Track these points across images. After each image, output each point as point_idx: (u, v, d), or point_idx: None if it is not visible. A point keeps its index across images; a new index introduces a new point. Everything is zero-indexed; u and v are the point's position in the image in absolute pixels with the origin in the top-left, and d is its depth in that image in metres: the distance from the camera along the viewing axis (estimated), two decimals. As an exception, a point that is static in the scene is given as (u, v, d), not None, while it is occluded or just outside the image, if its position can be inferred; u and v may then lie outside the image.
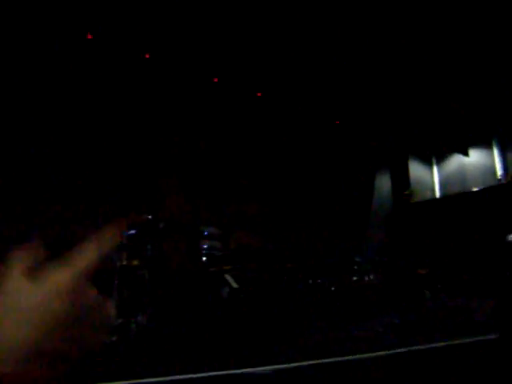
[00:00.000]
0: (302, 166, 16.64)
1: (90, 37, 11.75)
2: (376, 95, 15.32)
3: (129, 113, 13.24)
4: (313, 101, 15.70)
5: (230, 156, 15.30)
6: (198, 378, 4.88)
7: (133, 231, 12.91)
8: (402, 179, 19.07)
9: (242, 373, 5.10)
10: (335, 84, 14.62)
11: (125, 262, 10.46)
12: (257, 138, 15.69)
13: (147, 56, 12.75)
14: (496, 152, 17.90)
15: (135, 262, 10.92)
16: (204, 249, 14.52)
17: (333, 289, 12.22)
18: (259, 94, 15.11)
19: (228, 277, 10.48)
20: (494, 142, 18.05)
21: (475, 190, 17.08)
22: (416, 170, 19.40)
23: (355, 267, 13.41)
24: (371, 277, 12.90)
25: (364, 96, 15.38)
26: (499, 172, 17.48)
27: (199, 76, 13.75)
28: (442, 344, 6.71)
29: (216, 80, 14.05)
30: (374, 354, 6.27)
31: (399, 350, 6.55)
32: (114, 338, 7.39)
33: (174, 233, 13.33)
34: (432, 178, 19.73)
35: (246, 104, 15.13)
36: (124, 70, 12.75)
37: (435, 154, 19.80)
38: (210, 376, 4.92)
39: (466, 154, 18.59)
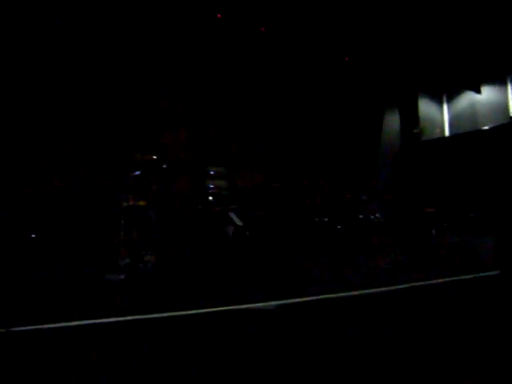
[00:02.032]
0: (311, 103, 16.33)
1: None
2: (385, 31, 14.73)
3: (133, 53, 12.88)
4: (320, 36, 15.12)
5: (236, 94, 15.00)
6: (203, 313, 5.02)
7: (138, 172, 12.98)
8: (411, 117, 18.71)
9: (246, 308, 5.23)
10: (343, 18, 14.02)
11: (131, 203, 10.59)
12: (263, 75, 15.29)
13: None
14: (510, 89, 17.40)
15: (141, 203, 11.06)
16: (210, 188, 14.61)
17: (339, 227, 12.37)
18: (263, 29, 14.56)
19: (233, 215, 10.59)
20: (508, 79, 17.49)
21: (486, 128, 16.77)
22: (426, 107, 18.97)
23: (362, 205, 13.51)
24: (378, 215, 13.02)
25: (373, 32, 14.80)
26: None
27: (203, 12, 13.22)
28: (445, 280, 6.86)
29: (219, 16, 13.51)
30: (379, 290, 6.43)
31: (403, 286, 6.72)
32: (122, 277, 7.62)
33: (179, 173, 13.37)
34: (442, 116, 19.35)
35: (251, 41, 14.60)
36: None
37: (446, 91, 19.30)
38: (214, 311, 5.05)
39: (478, 91, 18.08)
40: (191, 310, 5.04)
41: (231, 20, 13.68)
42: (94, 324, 4.41)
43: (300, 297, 5.80)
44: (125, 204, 10.07)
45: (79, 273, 7.50)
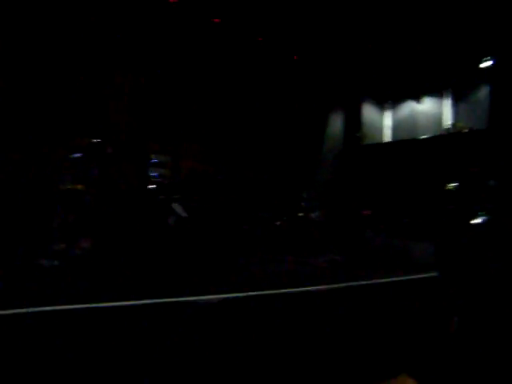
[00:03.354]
0: (259, 97, 16.26)
1: None
2: (334, 34, 14.94)
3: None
4: (271, 32, 15.09)
5: (181, 81, 14.64)
6: (140, 304, 4.79)
7: (78, 154, 12.33)
8: (354, 121, 19.17)
9: (185, 301, 5.05)
10: (293, 16, 14.04)
11: (69, 186, 10.05)
12: (213, 69, 15.03)
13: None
14: (447, 102, 18.22)
15: (80, 187, 10.51)
16: (153, 176, 14.20)
17: (278, 223, 12.38)
18: (217, 21, 14.28)
19: (176, 206, 10.29)
20: (446, 93, 18.31)
21: (424, 137, 17.48)
22: (369, 112, 19.52)
23: (302, 204, 13.62)
24: (317, 214, 13.17)
25: (323, 34, 14.97)
26: (448, 122, 17.90)
27: None
28: (381, 280, 6.99)
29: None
30: (315, 288, 6.42)
31: (339, 285, 6.76)
32: (56, 263, 7.15)
33: (122, 159, 12.85)
34: (384, 123, 19.99)
35: (197, 31, 14.28)
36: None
37: (389, 99, 19.95)
38: (153, 303, 4.83)
39: (419, 101, 18.84)
40: (121, 301, 4.77)
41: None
42: (23, 313, 4.04)
43: (232, 292, 5.66)
44: (62, 187, 9.57)
45: (10, 258, 6.95)
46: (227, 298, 5.31)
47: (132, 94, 13.56)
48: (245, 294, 5.29)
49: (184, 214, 9.67)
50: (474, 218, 10.45)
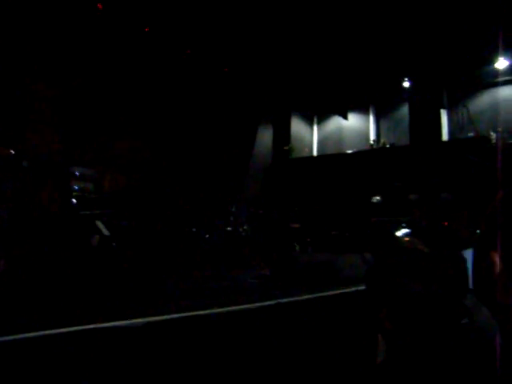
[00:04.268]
0: (188, 109, 15.87)
1: None
2: (264, 47, 14.99)
3: None
4: (202, 44, 14.86)
5: (106, 90, 13.95)
6: (59, 333, 4.23)
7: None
8: (283, 134, 19.32)
9: (111, 326, 4.58)
10: (222, 29, 13.91)
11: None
12: (140, 79, 14.48)
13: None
14: (371, 119, 18.87)
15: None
16: (74, 191, 13.28)
17: (207, 236, 12.02)
18: (146, 30, 13.83)
19: (99, 223, 9.58)
20: (370, 109, 18.97)
21: (349, 152, 17.91)
22: (297, 127, 19.77)
23: (231, 218, 13.36)
24: (245, 228, 12.97)
25: (253, 47, 14.96)
26: (372, 138, 18.50)
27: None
28: (311, 296, 6.85)
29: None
30: (243, 307, 6.15)
31: (268, 303, 6.53)
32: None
33: (39, 172, 11.91)
34: (312, 137, 20.33)
35: (127, 39, 13.75)
36: None
37: (317, 114, 20.35)
38: (74, 331, 4.29)
39: (345, 117, 19.35)
40: (42, 331, 4.19)
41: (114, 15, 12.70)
42: None
43: (165, 314, 5.23)
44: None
45: None
46: (146, 322, 4.88)
47: (52, 101, 12.72)
48: (164, 318, 4.88)
49: (107, 233, 9.00)
50: (397, 230, 10.68)
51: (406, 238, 2.11)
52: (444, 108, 16.49)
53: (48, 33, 12.29)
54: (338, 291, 7.16)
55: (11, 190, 11.09)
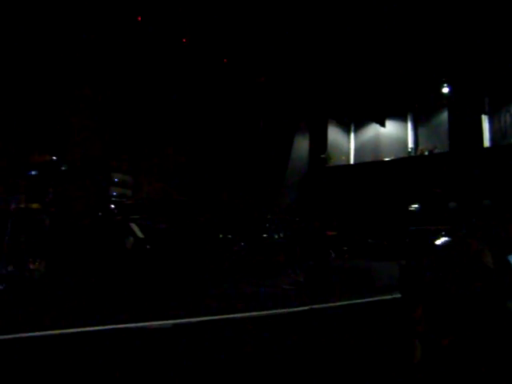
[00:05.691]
0: (225, 118, 16.13)
1: None
2: (301, 56, 15.06)
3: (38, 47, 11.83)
4: (239, 54, 15.10)
5: (148, 101, 14.37)
6: (95, 331, 4.44)
7: (33, 172, 11.78)
8: (319, 142, 19.28)
9: (142, 326, 4.74)
10: (262, 38, 14.10)
11: (22, 205, 9.51)
12: (181, 89, 14.85)
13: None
14: (409, 126, 18.60)
15: (35, 205, 9.97)
16: (113, 196, 13.71)
17: (242, 244, 12.10)
18: (184, 40, 14.22)
19: (134, 226, 9.84)
20: (408, 116, 18.71)
21: (387, 159, 17.68)
22: (334, 134, 19.69)
23: (267, 225, 13.39)
24: (281, 235, 12.96)
25: (291, 57, 15.07)
26: (410, 145, 18.22)
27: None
28: (344, 302, 6.83)
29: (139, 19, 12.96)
30: (279, 311, 6.20)
31: (301, 308, 6.55)
32: (1, 287, 6.60)
33: (79, 176, 12.37)
34: (349, 144, 20.19)
35: (170, 47, 14.14)
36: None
37: (354, 121, 20.21)
38: (107, 329, 4.49)
39: (382, 124, 19.13)
40: (78, 328, 4.40)
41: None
42: None
43: (195, 316, 5.36)
44: (13, 206, 9.02)
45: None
46: (182, 323, 5.02)
47: (94, 109, 13.19)
48: (197, 320, 5.01)
49: (141, 235, 9.23)
50: (437, 239, 10.46)
51: (475, 243, 2.04)
52: (485, 113, 16.07)
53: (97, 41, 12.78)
54: (373, 298, 7.12)
55: (52, 193, 11.57)
